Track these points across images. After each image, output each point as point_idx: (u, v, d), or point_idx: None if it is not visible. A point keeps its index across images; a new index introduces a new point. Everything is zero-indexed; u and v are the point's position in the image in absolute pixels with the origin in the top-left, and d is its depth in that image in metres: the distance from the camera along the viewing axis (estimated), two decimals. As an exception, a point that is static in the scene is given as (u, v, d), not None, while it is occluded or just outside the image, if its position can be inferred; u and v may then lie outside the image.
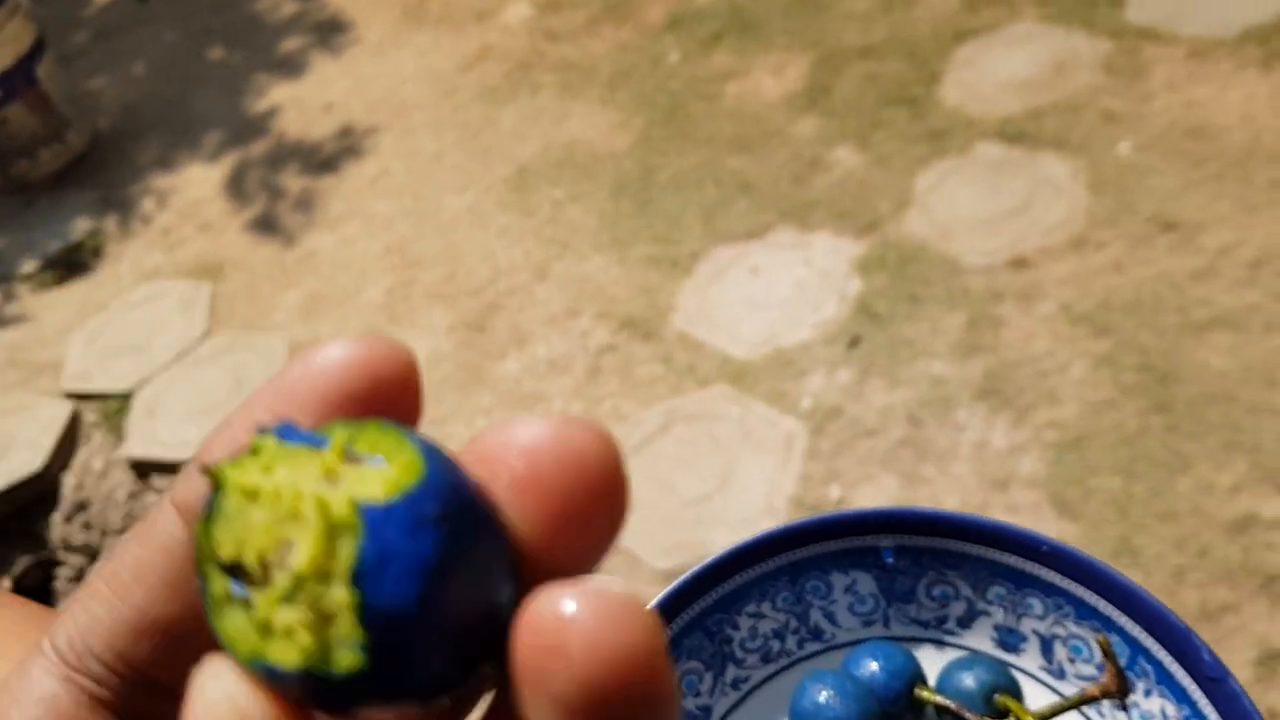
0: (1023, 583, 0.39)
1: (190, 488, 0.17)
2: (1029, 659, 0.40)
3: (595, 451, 0.15)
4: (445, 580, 0.14)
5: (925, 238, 1.90)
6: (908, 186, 2.00)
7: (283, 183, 2.57)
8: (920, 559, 0.39)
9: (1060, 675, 0.40)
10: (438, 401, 1.95)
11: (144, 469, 2.03)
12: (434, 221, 2.32)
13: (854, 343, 1.78)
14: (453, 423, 1.91)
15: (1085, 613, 0.38)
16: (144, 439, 2.05)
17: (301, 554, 0.14)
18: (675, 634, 0.39)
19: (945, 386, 1.67)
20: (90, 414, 2.15)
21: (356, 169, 2.54)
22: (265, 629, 0.14)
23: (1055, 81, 2.09)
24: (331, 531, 0.14)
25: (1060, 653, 0.39)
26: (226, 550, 0.15)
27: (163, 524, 0.17)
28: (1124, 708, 0.37)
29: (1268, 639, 1.31)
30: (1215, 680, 0.34)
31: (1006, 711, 0.38)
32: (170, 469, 2.00)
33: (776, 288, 1.92)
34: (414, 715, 0.15)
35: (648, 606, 0.14)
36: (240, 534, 0.15)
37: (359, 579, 0.14)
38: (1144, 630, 0.36)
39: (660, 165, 2.24)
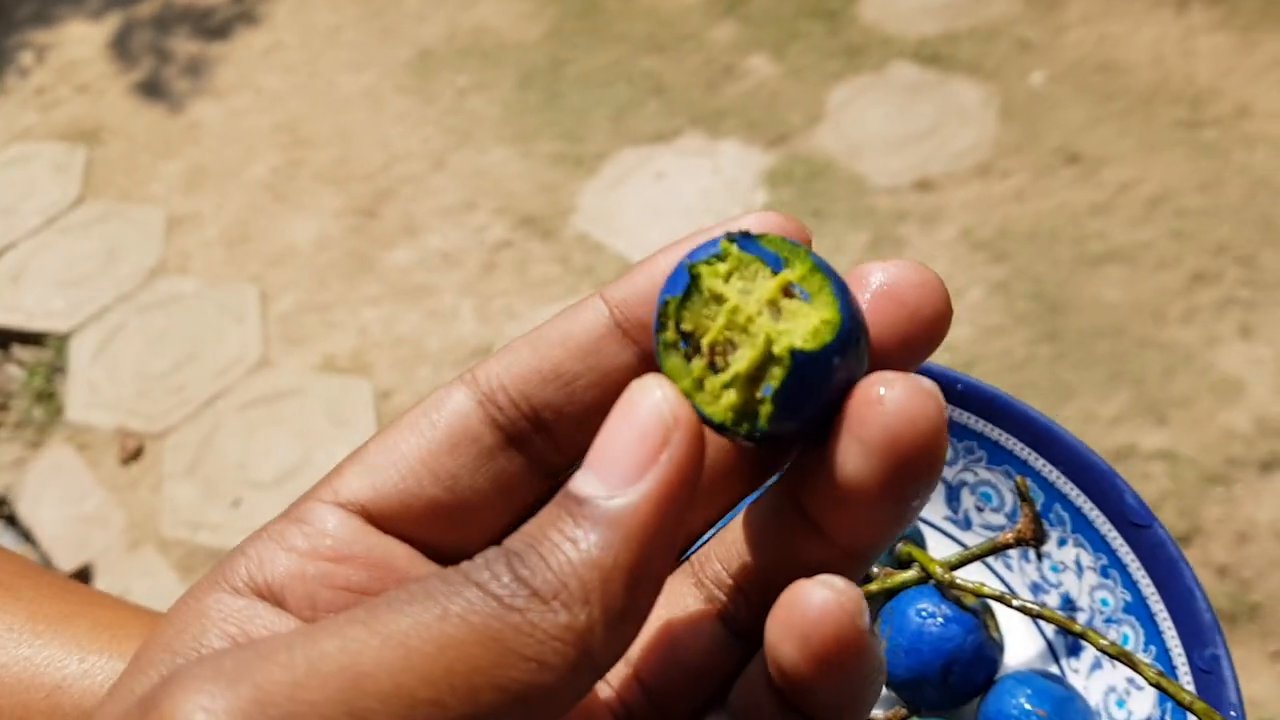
0: None
1: (626, 285, 0.21)
2: (933, 508, 0.38)
3: (934, 289, 0.20)
4: (832, 390, 0.19)
5: (834, 154, 1.87)
6: (820, 101, 1.97)
7: (170, 46, 2.42)
8: None
9: (966, 525, 0.37)
10: (322, 288, 1.88)
11: (5, 338, 1.93)
12: (327, 100, 2.21)
13: (755, 255, 1.76)
14: (338, 309, 1.84)
15: (999, 456, 0.35)
16: (7, 307, 1.95)
17: (743, 361, 0.19)
18: None
19: (842, 305, 1.66)
20: (-51, 278, 2.03)
21: (249, 37, 2.41)
22: (698, 384, 0.19)
23: (974, 6, 2.07)
24: (768, 358, 0.19)
25: (968, 501, 0.37)
26: (685, 324, 0.20)
27: (590, 306, 0.22)
28: (1037, 556, 0.35)
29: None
30: (1140, 526, 0.32)
31: (910, 561, 0.36)
32: (33, 339, 1.90)
33: (681, 194, 1.88)
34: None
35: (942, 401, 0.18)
36: (699, 319, 0.19)
37: (777, 396, 0.19)
38: (1062, 473, 0.34)
39: (571, 60, 2.17)
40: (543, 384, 0.21)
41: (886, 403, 0.18)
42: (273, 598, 0.20)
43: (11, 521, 1.71)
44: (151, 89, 2.33)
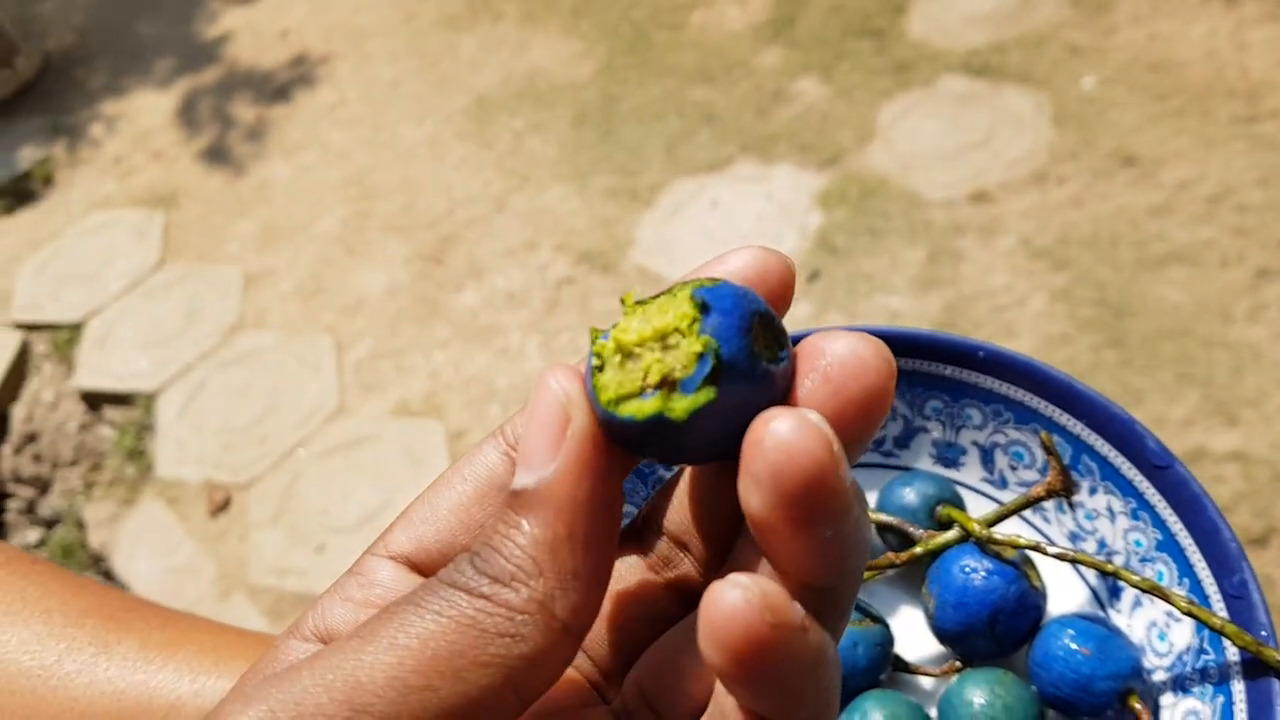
0: (960, 393, 0.38)
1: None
2: (969, 472, 0.39)
3: (879, 369, 0.21)
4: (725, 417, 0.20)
5: (887, 171, 1.89)
6: (870, 119, 1.98)
7: (236, 110, 2.51)
8: None
9: (1002, 485, 0.39)
10: (393, 335, 1.93)
11: (95, 400, 2.00)
12: (391, 152, 2.28)
13: (813, 276, 1.77)
14: (410, 354, 1.89)
15: (1025, 416, 0.37)
16: (95, 370, 2.02)
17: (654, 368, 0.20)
18: None
19: (904, 320, 1.67)
20: (40, 344, 2.11)
21: (312, 97, 2.49)
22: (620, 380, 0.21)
23: (1020, 14, 2.08)
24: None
25: (1001, 461, 0.39)
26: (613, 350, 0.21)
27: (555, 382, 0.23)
28: (1070, 506, 0.37)
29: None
30: (1161, 467, 0.34)
31: (950, 522, 0.38)
32: (122, 400, 1.98)
33: (736, 221, 1.90)
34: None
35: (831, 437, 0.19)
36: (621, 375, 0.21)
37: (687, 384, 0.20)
38: (1086, 426, 0.35)
39: (622, 95, 2.21)
40: None
41: (767, 439, 0.19)
42: (332, 640, 0.23)
43: (109, 576, 1.77)
44: (221, 152, 2.41)
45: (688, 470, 0.25)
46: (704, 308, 0.21)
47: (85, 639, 0.37)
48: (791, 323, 1.68)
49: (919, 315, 1.66)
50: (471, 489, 0.24)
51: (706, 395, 0.20)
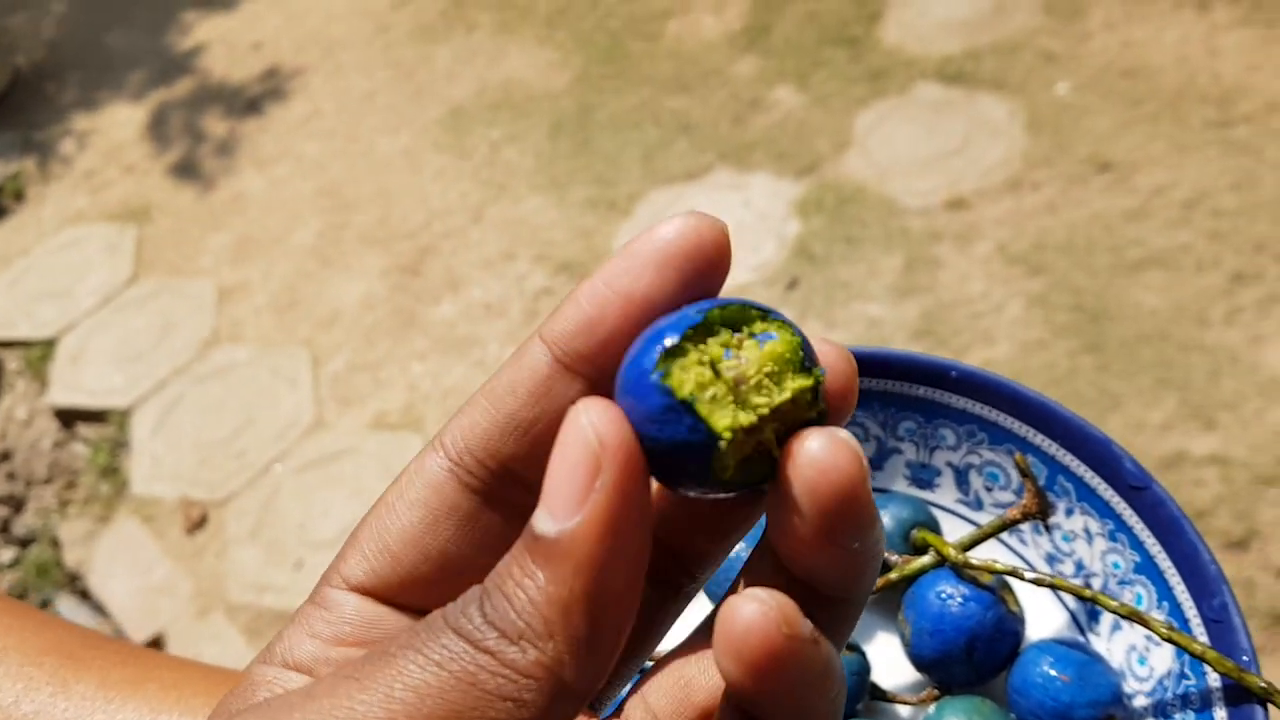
0: (933, 414, 0.37)
1: (558, 321, 0.22)
2: (944, 493, 0.39)
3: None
4: None
5: (864, 179, 1.89)
6: (847, 127, 1.98)
7: (209, 123, 2.50)
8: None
9: (978, 506, 0.38)
10: (370, 347, 1.91)
11: (69, 417, 1.98)
12: (366, 163, 2.26)
13: (792, 285, 1.77)
14: (388, 367, 1.87)
15: (999, 436, 0.36)
16: (69, 387, 2.00)
17: (785, 393, 0.20)
18: None
19: (882, 328, 1.66)
20: (13, 361, 2.09)
21: (286, 109, 2.48)
22: (707, 388, 0.20)
23: (994, 21, 2.08)
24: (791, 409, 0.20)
25: (976, 482, 0.38)
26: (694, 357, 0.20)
27: (530, 350, 0.22)
28: (1046, 529, 0.36)
29: (1194, 572, 1.32)
30: (1138, 488, 0.33)
31: (926, 547, 0.37)
32: (96, 417, 1.96)
33: (715, 230, 1.90)
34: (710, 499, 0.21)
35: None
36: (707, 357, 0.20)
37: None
38: (1061, 446, 0.35)
39: (599, 105, 2.21)
40: (504, 437, 0.22)
41: (802, 457, 0.19)
42: (306, 672, 0.23)
43: (85, 596, 1.75)
44: (194, 165, 2.40)
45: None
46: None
47: (43, 678, 0.36)
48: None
49: (897, 323, 1.66)
50: (420, 515, 0.23)
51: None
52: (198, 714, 0.35)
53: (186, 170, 2.39)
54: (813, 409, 0.20)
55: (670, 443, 0.19)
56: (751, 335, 0.21)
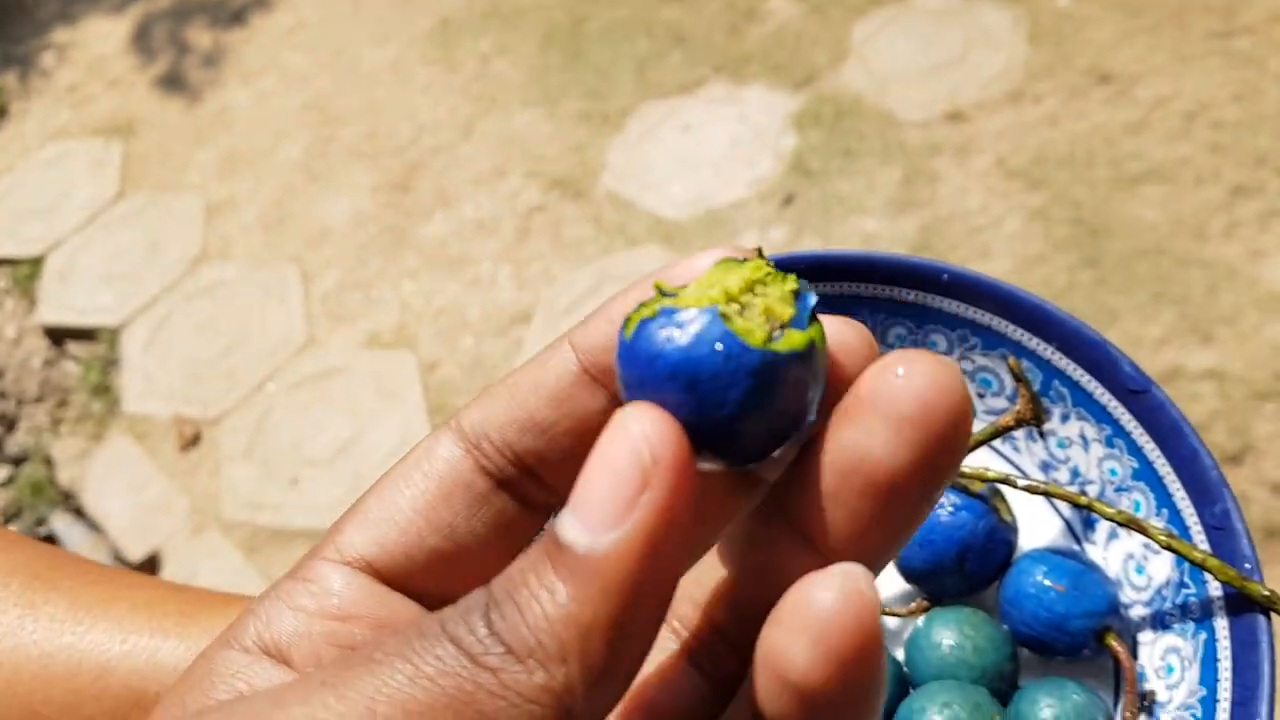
0: (924, 319, 0.36)
1: (588, 333, 0.21)
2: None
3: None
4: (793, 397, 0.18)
5: (862, 90, 1.85)
6: (845, 37, 1.94)
7: (193, 35, 2.44)
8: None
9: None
10: (362, 265, 1.89)
11: (59, 335, 1.97)
12: (353, 76, 2.22)
13: (788, 200, 1.75)
14: (379, 285, 1.86)
15: (992, 341, 0.35)
16: (57, 305, 1.99)
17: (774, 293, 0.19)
18: None
19: (879, 243, 1.65)
20: (1, 279, 2.07)
21: (270, 20, 2.42)
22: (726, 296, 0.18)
23: (996, -72, 2.03)
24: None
25: (968, 389, 0.37)
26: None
27: (559, 353, 0.21)
28: (1041, 435, 0.35)
29: (1187, 487, 1.33)
30: (1137, 392, 0.32)
31: None
32: (86, 335, 1.94)
33: (709, 145, 1.87)
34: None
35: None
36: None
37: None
38: (1057, 350, 0.33)
39: (590, 15, 2.16)
40: (521, 432, 0.21)
41: (913, 376, 0.17)
42: (279, 655, 0.20)
43: (79, 514, 1.76)
44: (179, 79, 2.35)
45: None
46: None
47: (10, 600, 0.36)
48: (766, 248, 1.67)
49: (894, 237, 1.65)
50: (435, 485, 0.21)
51: (817, 329, 0.18)
52: (169, 634, 0.34)
53: (171, 84, 2.35)
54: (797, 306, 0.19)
55: (696, 371, 0.17)
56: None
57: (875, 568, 0.18)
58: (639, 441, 0.17)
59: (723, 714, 0.19)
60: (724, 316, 0.18)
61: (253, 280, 1.93)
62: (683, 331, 0.17)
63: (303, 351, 1.81)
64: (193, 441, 1.77)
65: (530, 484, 0.22)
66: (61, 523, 1.72)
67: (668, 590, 0.17)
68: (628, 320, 0.18)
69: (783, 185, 1.77)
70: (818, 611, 0.16)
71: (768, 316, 0.18)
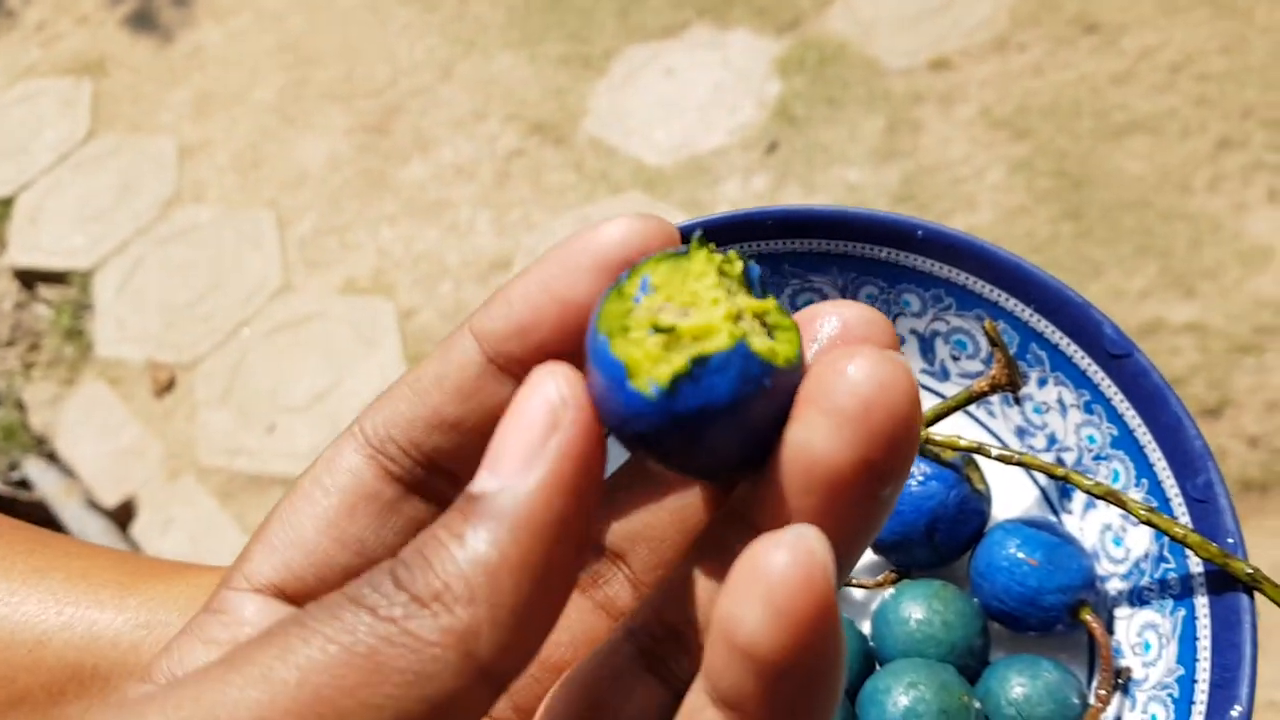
0: (897, 278, 0.34)
1: (490, 318, 0.20)
2: (908, 362, 0.36)
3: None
4: (754, 415, 0.17)
5: (846, 37, 1.83)
6: (829, -18, 1.91)
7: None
8: (780, 266, 0.34)
9: (944, 376, 0.36)
10: (338, 209, 1.87)
11: (29, 278, 1.94)
12: (328, 15, 2.18)
13: (771, 148, 1.73)
14: (356, 230, 1.83)
15: (968, 301, 0.34)
16: (28, 247, 1.95)
17: (694, 321, 0.17)
18: None
19: (861, 193, 1.63)
20: (-32, 221, 2.04)
21: (246, -42, 2.37)
22: (625, 330, 0.17)
23: None
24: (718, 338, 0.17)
25: (942, 351, 0.35)
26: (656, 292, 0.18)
27: (460, 344, 0.20)
28: (1017, 401, 0.34)
29: (1164, 441, 1.33)
30: (1119, 356, 0.31)
31: None
32: (58, 278, 1.91)
33: (693, 90, 1.85)
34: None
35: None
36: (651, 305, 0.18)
37: (698, 363, 0.17)
38: (1035, 312, 0.32)
39: (572, -43, 2.12)
40: (429, 431, 0.20)
41: (856, 371, 0.16)
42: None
43: (53, 459, 1.74)
44: (151, 16, 2.30)
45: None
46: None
47: None
48: (749, 198, 1.65)
49: (877, 187, 1.63)
50: (338, 500, 0.20)
51: (794, 326, 0.18)
52: (105, 606, 0.33)
53: (142, 21, 2.30)
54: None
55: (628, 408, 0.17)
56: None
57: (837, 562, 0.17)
58: (550, 390, 0.17)
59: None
60: (749, 345, 0.17)
61: (227, 224, 1.90)
62: (726, 377, 0.17)
63: (279, 297, 1.79)
64: (167, 387, 1.75)
65: (444, 483, 0.21)
66: (34, 468, 1.71)
67: (580, 532, 0.17)
68: (628, 371, 0.17)
69: (766, 132, 1.74)
70: (768, 572, 0.15)
71: (762, 322, 0.18)
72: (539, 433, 0.17)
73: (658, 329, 0.17)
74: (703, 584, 0.19)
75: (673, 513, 0.21)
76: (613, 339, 0.17)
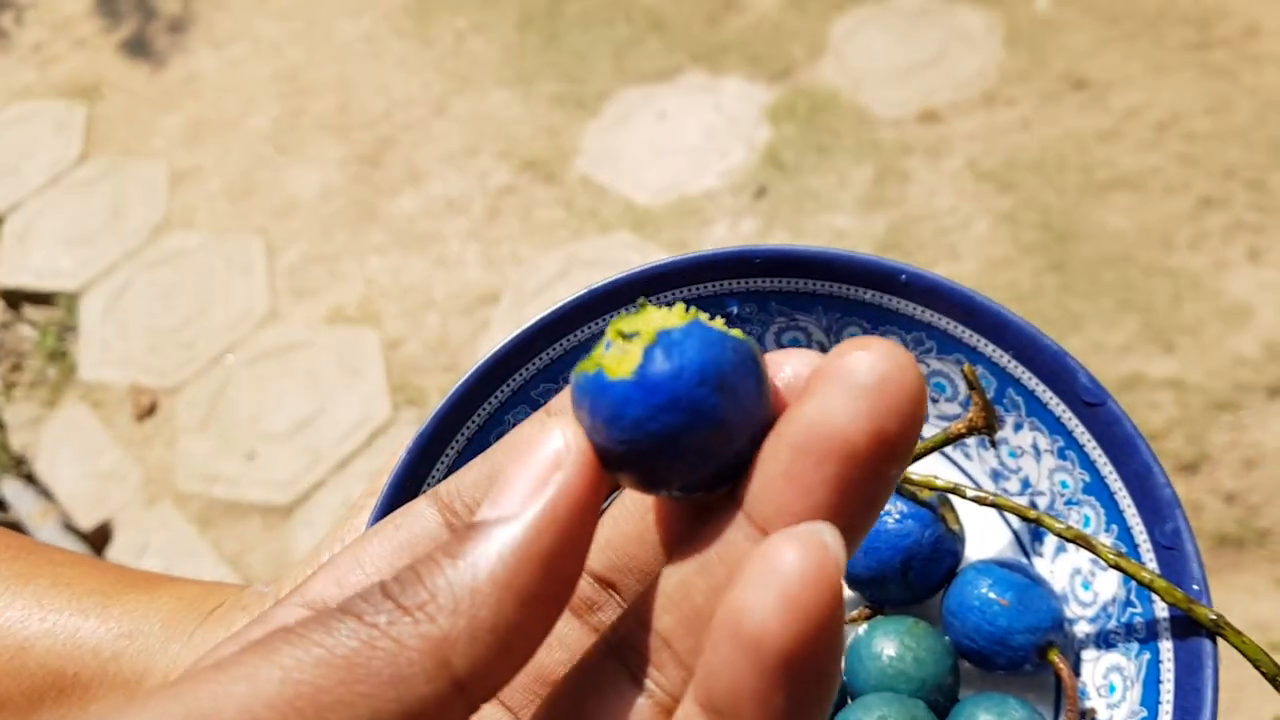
0: (880, 320, 0.35)
1: (566, 397, 0.22)
2: None
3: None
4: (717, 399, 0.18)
5: (838, 87, 1.85)
6: (823, 32, 1.94)
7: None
8: (767, 304, 0.35)
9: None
10: (328, 238, 1.87)
11: (15, 298, 1.93)
12: (326, 47, 2.19)
13: (760, 193, 1.74)
14: (345, 259, 1.84)
15: (948, 346, 0.34)
16: (15, 267, 1.95)
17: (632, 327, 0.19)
18: (495, 408, 0.35)
19: (849, 239, 1.65)
20: (-44, 239, 2.03)
21: (246, -12, 2.39)
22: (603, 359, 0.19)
23: (978, -71, 2.03)
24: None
25: None
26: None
27: (530, 426, 0.23)
28: (993, 444, 0.34)
29: (1141, 495, 1.34)
30: (1093, 405, 0.32)
31: None
32: (44, 299, 1.91)
33: (684, 133, 1.86)
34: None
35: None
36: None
37: (649, 350, 0.18)
38: (1013, 358, 0.33)
39: (568, -1, 2.15)
40: (491, 486, 0.22)
41: (870, 356, 0.17)
42: None
43: (30, 480, 1.73)
44: (146, 42, 2.31)
45: (635, 497, 0.22)
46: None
47: None
48: (737, 240, 1.66)
49: (864, 235, 1.64)
50: (404, 538, 0.22)
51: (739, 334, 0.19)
52: (89, 614, 0.34)
53: (138, 47, 2.31)
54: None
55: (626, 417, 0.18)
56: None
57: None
58: (557, 439, 0.19)
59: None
60: (704, 321, 0.19)
61: (216, 250, 1.91)
62: (691, 341, 0.18)
63: (265, 324, 1.79)
64: (149, 411, 1.74)
65: None
66: (11, 489, 1.70)
67: (568, 567, 0.18)
68: (606, 371, 0.19)
69: (755, 177, 1.76)
70: (781, 564, 0.16)
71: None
72: (542, 472, 0.18)
73: (623, 335, 0.19)
74: (701, 579, 0.19)
75: (656, 546, 0.22)
76: (587, 368, 0.19)
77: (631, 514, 0.22)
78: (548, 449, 0.18)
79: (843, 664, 0.16)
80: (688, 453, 0.18)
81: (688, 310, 0.19)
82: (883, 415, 0.17)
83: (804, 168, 1.75)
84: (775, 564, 0.16)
